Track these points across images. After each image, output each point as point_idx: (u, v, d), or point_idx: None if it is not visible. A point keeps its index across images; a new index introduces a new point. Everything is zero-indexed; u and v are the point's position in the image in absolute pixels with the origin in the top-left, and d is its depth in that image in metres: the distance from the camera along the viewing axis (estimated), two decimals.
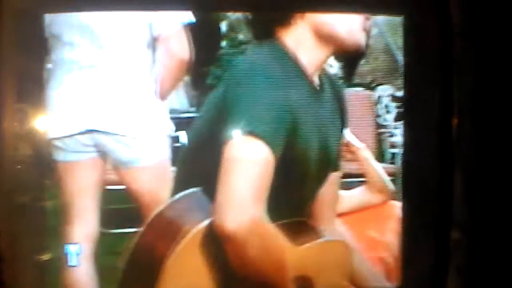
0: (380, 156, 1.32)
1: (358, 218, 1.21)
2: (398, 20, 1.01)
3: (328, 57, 0.96)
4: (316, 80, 0.97)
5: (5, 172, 0.99)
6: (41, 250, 1.02)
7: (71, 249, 1.03)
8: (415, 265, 1.04)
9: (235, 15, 1.08)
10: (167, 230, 0.93)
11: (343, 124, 1.04)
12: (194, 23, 1.06)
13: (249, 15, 0.96)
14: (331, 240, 1.03)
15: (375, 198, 1.21)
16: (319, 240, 0.99)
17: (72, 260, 1.03)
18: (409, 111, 1.03)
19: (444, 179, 1.00)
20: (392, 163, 1.31)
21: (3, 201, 0.98)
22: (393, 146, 1.31)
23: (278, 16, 0.93)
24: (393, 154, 1.31)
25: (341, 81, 1.06)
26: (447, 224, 1.00)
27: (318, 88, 0.98)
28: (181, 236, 0.90)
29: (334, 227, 1.08)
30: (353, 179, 1.22)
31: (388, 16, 1.12)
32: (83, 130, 1.10)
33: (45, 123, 1.03)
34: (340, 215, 1.17)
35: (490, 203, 0.97)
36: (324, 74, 0.99)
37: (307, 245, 0.97)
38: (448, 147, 1.00)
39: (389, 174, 1.23)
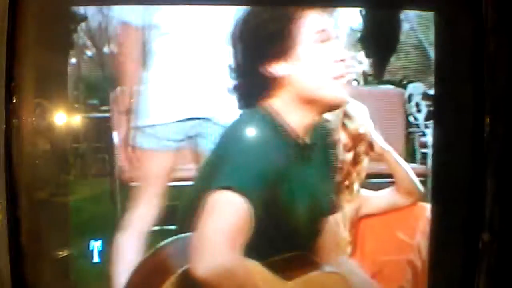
0: (410, 156, 1.30)
1: (386, 220, 1.19)
2: (430, 15, 1.00)
3: (316, 116, 1.00)
4: (307, 138, 1.00)
5: (24, 168, 0.99)
6: (62, 246, 1.03)
7: (94, 245, 1.05)
8: (444, 268, 1.03)
9: None
10: (152, 276, 0.98)
11: (334, 173, 1.08)
12: None
13: (236, 84, 1.01)
14: (326, 272, 1.03)
15: (403, 200, 1.19)
16: (312, 273, 1.00)
17: (95, 257, 1.05)
18: (440, 109, 1.02)
19: (476, 180, 0.98)
20: (422, 163, 1.27)
21: (23, 196, 1.00)
22: (423, 146, 1.28)
23: (264, 85, 0.98)
24: (424, 154, 1.28)
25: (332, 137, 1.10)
26: (477, 226, 0.99)
27: (308, 146, 1.01)
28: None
29: (339, 261, 1.10)
30: (381, 180, 1.20)
31: (419, 12, 1.09)
32: (185, 118, 1.12)
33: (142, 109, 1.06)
34: (368, 216, 1.18)
35: None
36: (316, 132, 1.02)
37: (298, 279, 0.99)
38: (480, 147, 0.98)
39: (420, 175, 1.20)
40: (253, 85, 0.99)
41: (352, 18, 1.10)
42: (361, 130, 1.11)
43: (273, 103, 0.99)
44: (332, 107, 1.02)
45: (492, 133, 0.97)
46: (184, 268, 0.93)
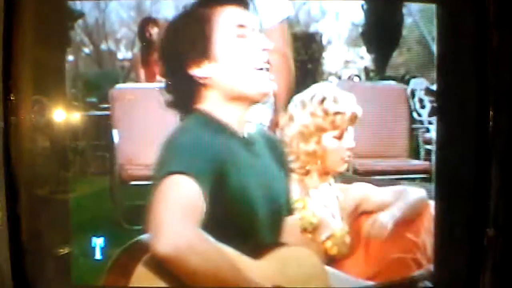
0: (414, 152, 1.29)
1: None
2: (432, 8, 0.99)
3: (246, 110, 1.01)
4: (245, 133, 1.03)
5: (23, 165, 1.01)
6: (63, 243, 1.05)
7: (97, 242, 1.05)
8: (449, 264, 1.04)
9: None
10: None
11: (285, 171, 1.08)
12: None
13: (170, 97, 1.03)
14: (292, 247, 1.05)
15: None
16: (282, 249, 1.03)
17: (97, 254, 1.05)
18: (443, 104, 1.02)
19: (480, 175, 0.98)
20: (426, 159, 1.27)
21: (23, 194, 1.01)
22: (427, 142, 1.27)
23: (194, 88, 1.00)
24: (428, 151, 1.27)
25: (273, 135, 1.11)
26: (482, 222, 0.99)
27: (248, 140, 1.03)
28: None
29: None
30: (385, 177, 1.21)
31: (422, 5, 1.08)
32: None
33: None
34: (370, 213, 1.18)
35: None
36: (253, 127, 1.05)
37: (269, 256, 1.01)
38: (484, 142, 0.98)
39: (424, 171, 1.20)
40: (184, 90, 1.01)
41: (353, 13, 1.09)
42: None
43: (205, 105, 1.01)
44: (260, 99, 1.02)
45: (496, 127, 0.97)
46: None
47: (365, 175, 1.21)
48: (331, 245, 1.13)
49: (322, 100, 1.08)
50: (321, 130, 1.09)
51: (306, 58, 1.09)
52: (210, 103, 1.01)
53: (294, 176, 1.11)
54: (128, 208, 1.16)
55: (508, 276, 0.99)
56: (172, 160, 0.99)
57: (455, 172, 1.02)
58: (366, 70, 1.12)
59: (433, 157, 1.12)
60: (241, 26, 0.99)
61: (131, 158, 1.16)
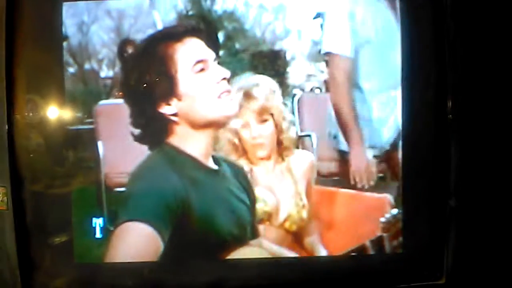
0: None
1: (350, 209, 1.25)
2: None
3: (211, 140, 1.10)
4: (210, 162, 1.11)
5: (19, 161, 1.05)
6: (65, 224, 1.10)
7: (97, 222, 1.12)
8: (416, 233, 1.12)
9: (232, 25, 1.16)
10: None
11: (249, 194, 1.16)
12: None
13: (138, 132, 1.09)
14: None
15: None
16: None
17: (97, 232, 1.11)
18: (406, 88, 1.10)
19: (441, 151, 1.07)
20: None
21: (27, 180, 1.07)
22: None
23: (161, 124, 1.09)
24: None
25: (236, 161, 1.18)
26: (444, 194, 1.08)
27: (214, 168, 1.12)
28: None
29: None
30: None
31: None
32: None
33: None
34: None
35: (484, 173, 1.06)
36: (218, 155, 1.14)
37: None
38: (444, 120, 1.07)
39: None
40: (152, 126, 1.09)
41: (313, 31, 1.18)
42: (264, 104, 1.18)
43: (173, 138, 1.09)
44: (226, 122, 1.12)
45: (454, 107, 1.06)
46: None
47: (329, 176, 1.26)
48: (290, 224, 1.19)
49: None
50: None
51: (272, 73, 1.18)
52: (178, 136, 1.09)
53: (245, 169, 1.18)
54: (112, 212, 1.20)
55: (470, 242, 1.07)
56: (130, 207, 1.06)
57: (418, 149, 1.10)
58: (326, 82, 1.20)
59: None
60: (200, 61, 1.07)
61: (114, 167, 1.20)
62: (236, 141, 1.19)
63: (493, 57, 1.06)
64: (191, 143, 1.09)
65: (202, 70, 1.08)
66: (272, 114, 1.19)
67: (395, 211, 1.16)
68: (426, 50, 1.08)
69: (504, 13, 1.05)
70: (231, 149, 1.19)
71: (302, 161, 1.23)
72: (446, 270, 1.09)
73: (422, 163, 1.10)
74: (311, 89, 1.19)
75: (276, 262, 1.16)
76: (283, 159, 1.22)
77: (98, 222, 1.12)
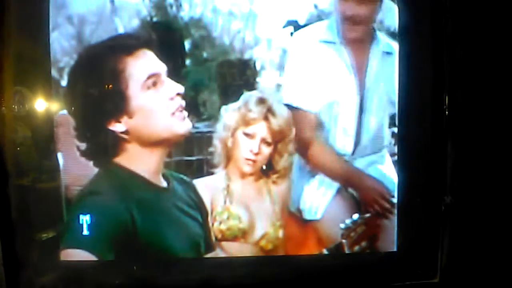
0: None
1: None
2: None
3: (162, 157, 1.07)
4: (160, 179, 1.09)
5: (5, 155, 1.04)
6: (51, 221, 1.08)
7: (84, 219, 1.07)
8: (411, 229, 1.13)
9: (199, 32, 1.12)
10: None
11: (201, 210, 1.14)
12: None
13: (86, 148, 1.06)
14: None
15: None
16: None
17: (84, 230, 1.07)
18: (403, 87, 1.11)
19: (437, 149, 1.08)
20: None
21: (3, 183, 1.04)
22: None
23: (112, 142, 1.05)
24: None
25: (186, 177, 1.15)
26: (440, 190, 1.09)
27: (163, 186, 1.09)
28: None
29: None
30: None
31: None
32: None
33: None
34: None
35: (480, 170, 1.07)
36: (169, 172, 1.11)
37: None
38: (440, 118, 1.08)
39: None
40: (102, 144, 1.05)
41: (283, 40, 1.15)
42: (282, 128, 1.16)
43: (120, 158, 1.05)
44: (177, 140, 1.08)
45: (451, 106, 1.07)
46: None
47: None
48: (266, 242, 1.17)
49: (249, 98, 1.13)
50: (237, 122, 1.14)
51: (241, 83, 1.14)
52: (126, 154, 1.05)
53: (220, 185, 1.15)
54: None
55: (463, 241, 1.08)
56: (71, 234, 1.06)
57: (416, 147, 1.11)
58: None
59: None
60: (152, 75, 1.03)
61: (75, 179, 1.15)
62: (230, 143, 1.14)
63: (490, 56, 1.06)
64: (140, 161, 1.06)
65: (154, 85, 1.04)
66: (281, 141, 1.16)
67: (355, 216, 1.14)
68: (423, 49, 1.09)
69: (501, 13, 1.06)
70: (221, 148, 1.16)
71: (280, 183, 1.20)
72: (440, 269, 1.10)
73: (418, 160, 1.11)
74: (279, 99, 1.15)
75: (267, 260, 1.16)
76: (266, 179, 1.19)
77: (85, 219, 1.08)
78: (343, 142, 1.19)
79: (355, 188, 1.19)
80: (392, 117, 1.17)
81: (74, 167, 1.09)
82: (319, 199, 1.20)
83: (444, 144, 1.08)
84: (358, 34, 1.17)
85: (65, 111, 1.09)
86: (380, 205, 1.17)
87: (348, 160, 1.19)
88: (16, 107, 1.04)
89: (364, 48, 1.19)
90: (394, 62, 1.14)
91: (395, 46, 1.14)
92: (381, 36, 1.17)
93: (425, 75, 1.09)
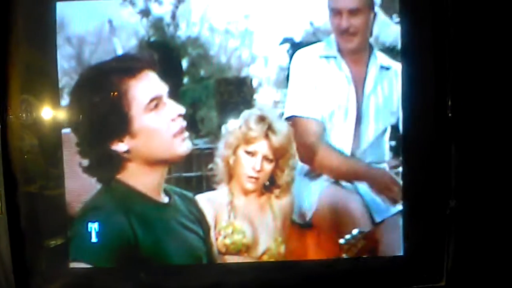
0: None
1: None
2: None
3: (163, 174, 1.10)
4: (161, 195, 1.11)
5: (13, 162, 1.06)
6: (60, 229, 1.10)
7: (92, 226, 1.09)
8: (417, 233, 1.13)
9: (196, 51, 1.13)
10: None
11: (203, 225, 1.16)
12: None
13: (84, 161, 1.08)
14: None
15: None
16: None
17: (93, 237, 1.10)
18: (406, 93, 1.13)
19: (441, 154, 1.09)
20: None
21: (21, 185, 1.07)
22: None
23: (114, 161, 1.07)
24: None
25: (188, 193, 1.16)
26: (445, 194, 1.09)
27: (164, 202, 1.12)
28: None
29: None
30: None
31: None
32: None
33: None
34: None
35: (485, 174, 1.07)
36: (170, 187, 1.13)
37: None
38: (444, 123, 1.09)
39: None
40: (104, 162, 1.07)
41: (280, 57, 1.16)
42: (282, 145, 1.17)
43: (122, 175, 1.08)
44: (178, 161, 1.10)
45: (454, 111, 1.08)
46: None
47: None
48: (268, 257, 1.18)
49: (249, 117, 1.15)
50: (238, 140, 1.15)
51: (239, 100, 1.15)
52: (128, 172, 1.07)
53: (223, 200, 1.17)
54: None
55: (469, 245, 1.09)
56: (74, 247, 1.09)
57: (420, 151, 1.12)
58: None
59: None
60: (155, 98, 1.05)
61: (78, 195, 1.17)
62: (232, 161, 1.16)
63: (493, 59, 1.07)
64: (141, 178, 1.09)
65: (156, 107, 1.06)
66: (282, 157, 1.17)
67: (355, 231, 1.15)
68: (426, 51, 1.10)
69: (503, 16, 1.07)
70: (222, 166, 1.17)
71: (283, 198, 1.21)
72: (446, 272, 1.10)
73: (422, 164, 1.12)
74: (279, 116, 1.17)
75: (274, 266, 1.17)
76: (269, 194, 1.20)
77: (93, 227, 1.10)
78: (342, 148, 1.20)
79: (366, 181, 1.20)
80: (393, 129, 1.18)
81: (77, 182, 1.11)
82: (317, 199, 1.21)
83: (448, 148, 1.09)
84: (355, 44, 1.19)
85: (68, 130, 1.11)
86: (392, 191, 1.18)
87: (352, 157, 1.21)
88: (23, 115, 1.06)
89: (362, 60, 1.20)
90: (392, 76, 1.16)
91: (392, 62, 1.16)
92: (378, 54, 1.19)
93: (428, 79, 1.10)
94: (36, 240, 1.09)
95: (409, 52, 1.12)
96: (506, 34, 1.07)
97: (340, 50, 1.19)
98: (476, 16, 1.07)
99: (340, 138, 1.20)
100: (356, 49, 1.20)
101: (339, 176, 1.20)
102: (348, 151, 1.20)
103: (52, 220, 1.10)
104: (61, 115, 1.10)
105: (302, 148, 1.18)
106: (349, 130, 1.19)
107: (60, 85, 1.11)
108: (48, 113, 1.09)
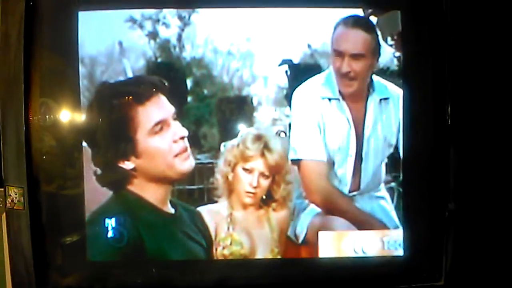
0: None
1: None
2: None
3: (169, 188, 1.16)
4: (168, 206, 1.17)
5: (33, 163, 1.11)
6: (78, 224, 1.15)
7: (109, 222, 1.16)
8: (416, 236, 1.17)
9: (200, 71, 1.20)
10: None
11: (205, 236, 1.20)
12: None
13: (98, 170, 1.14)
14: None
15: None
16: None
17: (109, 232, 1.16)
18: (406, 98, 1.16)
19: (440, 157, 1.13)
20: None
21: (43, 182, 1.12)
22: None
23: (122, 175, 1.14)
24: None
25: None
26: (444, 197, 1.13)
27: (170, 212, 1.18)
28: None
29: None
30: None
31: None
32: None
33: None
34: None
35: (483, 177, 1.11)
36: (176, 200, 1.19)
37: None
38: (443, 128, 1.12)
39: None
40: (114, 175, 1.14)
41: (279, 77, 1.22)
42: (278, 162, 1.22)
43: (131, 187, 1.14)
44: (182, 178, 1.17)
45: (453, 115, 1.11)
46: None
47: None
48: None
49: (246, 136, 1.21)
50: (236, 158, 1.21)
51: (239, 118, 1.22)
52: (135, 185, 1.14)
53: (223, 212, 1.22)
54: None
55: (468, 244, 1.12)
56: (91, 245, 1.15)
57: (419, 155, 1.15)
58: (291, 126, 1.24)
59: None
60: (159, 122, 1.11)
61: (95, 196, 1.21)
62: (231, 177, 1.22)
63: (491, 63, 1.11)
64: (149, 191, 1.15)
65: (161, 130, 1.13)
66: (278, 173, 1.23)
67: None
68: (426, 56, 1.13)
69: (501, 22, 1.11)
70: (222, 182, 1.22)
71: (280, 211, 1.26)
72: (445, 272, 1.13)
73: (422, 167, 1.15)
74: (277, 133, 1.22)
75: (279, 263, 1.22)
76: (266, 208, 1.25)
77: (110, 223, 1.16)
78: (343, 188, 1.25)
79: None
80: (390, 160, 1.22)
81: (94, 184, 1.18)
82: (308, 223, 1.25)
83: (447, 153, 1.12)
84: (353, 89, 1.22)
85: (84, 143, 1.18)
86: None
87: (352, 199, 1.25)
88: (42, 117, 1.13)
89: (361, 100, 1.24)
90: (391, 107, 1.21)
91: (390, 86, 1.21)
92: (377, 83, 1.23)
93: (427, 87, 1.13)
94: (55, 235, 1.15)
95: (408, 63, 1.15)
96: (500, 41, 1.11)
97: (339, 92, 1.23)
98: (474, 24, 1.11)
99: (342, 178, 1.24)
100: (356, 93, 1.23)
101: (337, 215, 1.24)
102: (348, 189, 1.25)
103: (71, 218, 1.16)
104: (78, 117, 1.17)
105: (310, 190, 1.24)
106: (349, 169, 1.24)
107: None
108: (66, 115, 1.15)
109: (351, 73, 1.20)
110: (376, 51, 1.20)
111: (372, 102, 1.23)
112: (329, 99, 1.23)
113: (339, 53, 1.20)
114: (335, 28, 1.19)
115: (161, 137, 1.13)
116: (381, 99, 1.22)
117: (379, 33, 1.18)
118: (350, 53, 1.19)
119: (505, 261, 1.14)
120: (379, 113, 1.22)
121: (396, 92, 1.20)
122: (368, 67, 1.20)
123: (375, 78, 1.23)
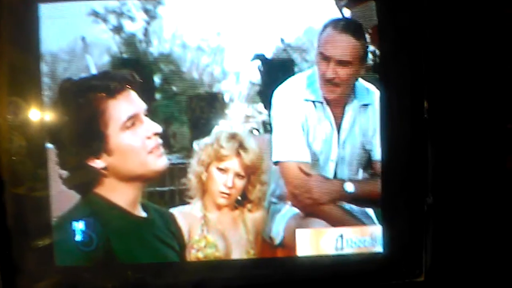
0: None
1: None
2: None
3: (140, 189, 1.11)
4: (139, 209, 1.13)
5: (1, 164, 1.07)
6: (45, 228, 1.11)
7: (77, 225, 1.11)
8: (395, 230, 1.16)
9: (168, 67, 1.15)
10: None
11: (178, 239, 1.17)
12: None
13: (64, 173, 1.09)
14: None
15: None
16: None
17: (78, 236, 1.11)
18: (384, 96, 1.15)
19: (418, 154, 1.12)
20: None
21: (7, 184, 1.08)
22: None
23: (92, 175, 1.09)
24: None
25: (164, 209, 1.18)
26: (422, 192, 1.12)
27: (141, 216, 1.13)
28: None
29: None
30: None
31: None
32: None
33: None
34: None
35: (460, 171, 1.10)
36: (147, 202, 1.15)
37: None
38: (420, 125, 1.12)
39: None
40: (82, 177, 1.09)
41: (251, 73, 1.18)
42: (253, 162, 1.19)
43: (100, 189, 1.09)
44: (154, 177, 1.11)
45: (430, 113, 1.10)
46: None
47: None
48: None
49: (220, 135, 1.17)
50: (210, 157, 1.17)
51: (210, 116, 1.17)
52: (105, 187, 1.09)
53: (197, 214, 1.19)
54: None
55: (447, 239, 1.12)
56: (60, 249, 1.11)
57: (397, 150, 1.14)
58: (264, 124, 1.20)
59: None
60: (131, 117, 1.06)
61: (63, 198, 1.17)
62: (204, 177, 1.17)
63: (468, 58, 1.09)
64: (119, 193, 1.10)
65: (133, 125, 1.08)
66: (253, 173, 1.20)
67: None
68: (403, 56, 1.11)
69: (479, 15, 1.10)
70: (195, 182, 1.19)
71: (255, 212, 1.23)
72: (425, 267, 1.13)
73: (399, 162, 1.14)
74: (250, 130, 1.18)
75: (256, 263, 1.19)
76: (241, 208, 1.22)
77: (78, 226, 1.12)
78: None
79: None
80: (366, 164, 1.21)
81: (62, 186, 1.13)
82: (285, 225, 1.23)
83: (424, 148, 1.11)
84: (336, 95, 1.20)
85: (50, 145, 1.12)
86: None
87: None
88: (10, 116, 1.07)
89: (343, 105, 1.22)
90: (370, 113, 1.19)
91: (372, 89, 1.19)
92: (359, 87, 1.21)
93: (405, 84, 1.11)
94: (22, 239, 1.10)
95: (385, 57, 1.13)
96: (478, 36, 1.10)
97: (323, 97, 1.21)
98: (451, 17, 1.09)
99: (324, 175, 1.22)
100: (339, 98, 1.21)
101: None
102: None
103: (38, 221, 1.11)
104: (48, 117, 1.12)
105: (292, 192, 1.21)
106: (331, 173, 1.22)
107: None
108: (35, 114, 1.10)
109: (335, 79, 1.17)
110: (363, 58, 1.17)
111: (353, 107, 1.21)
112: (313, 102, 1.20)
113: (325, 57, 1.17)
114: (323, 29, 1.16)
115: (134, 133, 1.08)
116: (362, 105, 1.21)
117: (368, 39, 1.16)
118: (337, 59, 1.16)
119: (485, 255, 1.13)
120: (359, 118, 1.21)
121: (377, 96, 1.18)
122: (354, 74, 1.18)
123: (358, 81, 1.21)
